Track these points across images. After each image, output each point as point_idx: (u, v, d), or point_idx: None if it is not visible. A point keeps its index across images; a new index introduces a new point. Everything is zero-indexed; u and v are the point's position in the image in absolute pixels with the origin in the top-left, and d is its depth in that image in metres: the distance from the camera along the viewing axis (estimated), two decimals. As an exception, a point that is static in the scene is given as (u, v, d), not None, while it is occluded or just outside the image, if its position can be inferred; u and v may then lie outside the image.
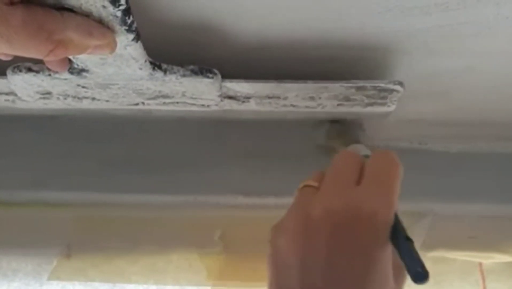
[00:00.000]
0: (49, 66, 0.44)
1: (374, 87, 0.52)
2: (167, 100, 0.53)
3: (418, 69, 0.55)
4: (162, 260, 0.61)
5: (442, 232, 0.62)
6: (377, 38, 0.51)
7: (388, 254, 0.39)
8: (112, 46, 0.39)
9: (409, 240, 0.40)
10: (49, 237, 0.62)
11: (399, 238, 0.40)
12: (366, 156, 0.51)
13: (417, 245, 0.59)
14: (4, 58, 0.40)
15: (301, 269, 0.39)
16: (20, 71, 0.48)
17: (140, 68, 0.46)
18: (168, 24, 0.47)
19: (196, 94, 0.52)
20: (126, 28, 0.38)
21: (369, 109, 0.56)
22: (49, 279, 0.62)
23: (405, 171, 0.62)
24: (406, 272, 0.39)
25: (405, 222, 0.60)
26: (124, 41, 0.40)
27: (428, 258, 0.61)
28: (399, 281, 0.42)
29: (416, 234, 0.62)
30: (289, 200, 0.61)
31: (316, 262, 0.39)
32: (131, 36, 0.40)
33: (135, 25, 0.39)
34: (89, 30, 0.36)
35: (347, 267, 0.38)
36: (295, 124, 0.62)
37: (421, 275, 0.38)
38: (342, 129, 0.62)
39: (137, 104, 0.54)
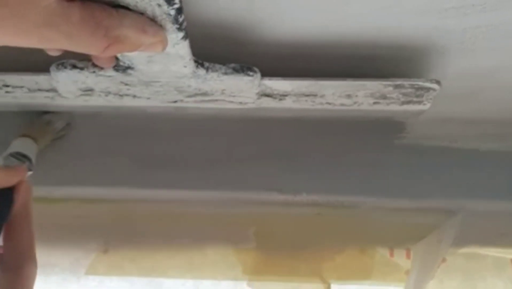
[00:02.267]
0: (97, 63, 0.44)
1: (412, 86, 0.52)
2: (205, 98, 0.54)
3: (453, 69, 0.55)
4: (198, 255, 0.61)
5: (473, 229, 0.62)
6: (413, 38, 0.51)
7: None
8: (164, 44, 0.39)
9: None
10: (87, 232, 0.62)
11: None
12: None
13: (448, 243, 0.59)
14: (54, 54, 0.41)
15: None
16: (65, 68, 0.49)
17: (185, 66, 0.46)
18: (209, 23, 0.48)
19: (235, 92, 0.52)
20: (178, 26, 0.39)
21: (405, 107, 0.56)
22: (87, 273, 0.62)
23: (436, 169, 0.62)
24: None
25: (437, 220, 0.61)
26: (174, 39, 0.40)
27: (460, 255, 0.61)
28: None
29: (448, 231, 0.62)
30: (321, 197, 0.62)
31: None
32: (181, 34, 0.40)
33: (185, 23, 0.39)
34: (143, 27, 0.36)
35: None
36: (329, 122, 0.61)
37: None
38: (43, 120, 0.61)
39: (175, 101, 0.55)
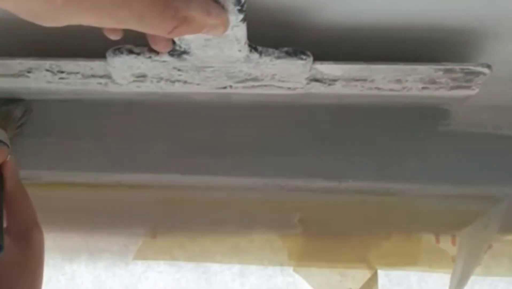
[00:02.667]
0: (155, 47, 0.45)
1: (462, 70, 0.52)
2: (255, 84, 0.54)
3: (502, 54, 0.55)
4: (245, 241, 0.61)
5: (519, 215, 0.61)
6: (465, 22, 0.51)
7: None
8: (226, 26, 0.40)
9: None
10: (135, 218, 0.63)
11: None
12: None
13: (494, 229, 0.59)
14: (114, 37, 0.41)
15: None
16: (121, 53, 0.49)
17: (239, 50, 0.47)
18: (264, 6, 0.48)
19: (285, 76, 0.53)
20: (239, 8, 0.39)
21: (453, 92, 0.56)
22: (135, 258, 0.63)
23: (481, 156, 0.62)
24: None
25: (482, 206, 0.60)
26: (234, 21, 0.41)
27: (507, 241, 0.61)
28: None
29: (494, 217, 0.61)
30: (367, 184, 0.62)
31: None
32: (241, 16, 0.41)
33: (246, 5, 0.39)
34: (207, 9, 0.37)
35: None
36: (374, 108, 0.61)
37: None
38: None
39: (224, 87, 0.55)
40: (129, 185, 0.63)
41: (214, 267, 0.63)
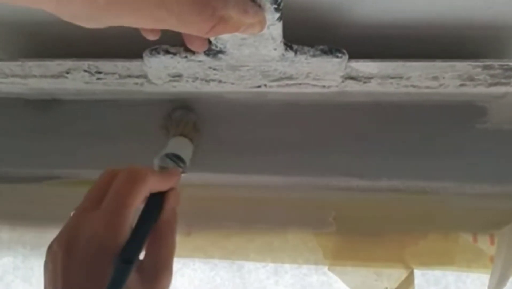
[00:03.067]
0: (191, 47, 0.45)
1: (501, 66, 0.51)
2: (290, 82, 0.54)
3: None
4: (279, 239, 0.61)
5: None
6: (502, 18, 0.49)
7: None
8: (262, 25, 0.40)
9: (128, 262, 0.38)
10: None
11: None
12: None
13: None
14: (152, 38, 0.41)
15: None
16: (158, 53, 0.50)
17: (275, 49, 0.47)
18: (299, 5, 0.48)
19: (320, 75, 0.53)
20: (276, 7, 0.39)
21: (491, 89, 0.55)
22: (171, 256, 0.63)
23: None
24: None
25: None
26: (270, 20, 0.41)
27: None
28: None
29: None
30: (402, 182, 0.61)
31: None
32: (277, 15, 0.41)
33: (282, 4, 0.39)
34: (245, 8, 0.37)
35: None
36: (409, 107, 0.61)
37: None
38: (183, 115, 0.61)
39: (259, 86, 0.55)
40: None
41: (249, 265, 0.63)
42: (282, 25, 0.43)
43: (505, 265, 0.58)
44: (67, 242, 0.40)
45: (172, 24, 0.35)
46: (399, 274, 0.61)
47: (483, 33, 0.52)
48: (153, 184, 0.44)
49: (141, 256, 0.42)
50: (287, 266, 0.64)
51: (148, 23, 0.35)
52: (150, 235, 0.42)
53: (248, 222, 0.62)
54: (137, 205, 0.42)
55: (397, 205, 0.62)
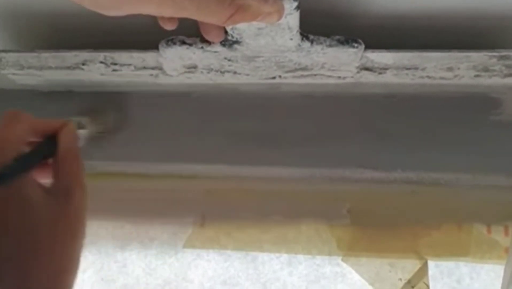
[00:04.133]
0: (208, 37, 0.45)
1: (517, 56, 0.50)
2: (305, 73, 0.54)
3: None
4: (293, 230, 0.61)
5: None
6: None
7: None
8: (281, 13, 0.40)
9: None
10: (184, 207, 0.63)
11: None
12: None
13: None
14: (169, 27, 0.41)
15: None
16: (174, 44, 0.50)
17: (291, 39, 0.47)
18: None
19: (335, 65, 0.53)
20: None
21: (506, 80, 0.54)
22: (184, 247, 0.64)
23: None
24: None
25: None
26: (288, 9, 0.41)
27: None
28: None
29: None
30: (416, 174, 0.61)
31: None
32: (295, 4, 0.41)
33: None
34: None
35: None
36: (424, 98, 0.60)
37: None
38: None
39: (274, 78, 0.55)
40: (179, 175, 0.63)
41: (262, 256, 0.63)
42: (299, 14, 0.43)
43: (519, 256, 0.58)
44: None
45: (192, 12, 0.36)
46: (413, 265, 0.61)
47: (498, 24, 0.51)
48: (31, 123, 0.45)
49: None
50: (301, 257, 0.63)
51: (168, 11, 0.35)
52: (53, 164, 0.45)
53: (262, 214, 0.62)
54: (16, 139, 0.43)
55: (411, 196, 0.62)
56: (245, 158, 0.62)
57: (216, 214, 0.63)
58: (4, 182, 0.39)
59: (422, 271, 0.62)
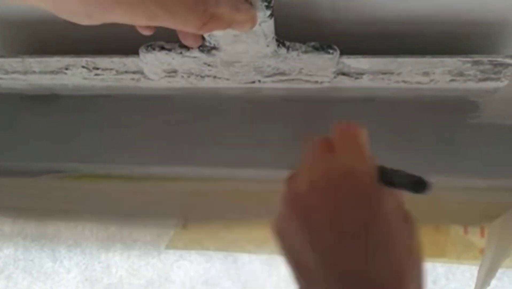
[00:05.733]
0: (185, 43, 0.45)
1: (491, 62, 0.51)
2: (283, 78, 0.55)
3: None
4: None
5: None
6: (492, 15, 0.50)
7: (386, 197, 0.38)
8: (254, 22, 0.40)
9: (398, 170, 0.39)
10: (167, 209, 0.64)
11: (390, 177, 0.39)
12: None
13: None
14: (146, 33, 0.42)
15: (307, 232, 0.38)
16: (154, 49, 0.50)
17: (267, 45, 0.48)
18: (289, 2, 0.48)
19: (313, 71, 0.53)
20: (266, 4, 0.40)
21: (481, 84, 0.55)
22: (167, 248, 0.64)
23: (509, 148, 0.61)
24: None
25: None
26: (262, 17, 0.41)
27: None
28: None
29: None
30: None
31: (320, 223, 0.38)
32: (269, 12, 0.41)
33: (273, 1, 0.40)
34: (236, 5, 0.38)
35: (348, 218, 0.37)
36: (402, 102, 0.61)
37: (420, 183, 0.37)
38: None
39: (253, 82, 0.56)
40: (161, 178, 0.64)
41: (243, 257, 0.64)
42: (274, 22, 0.43)
43: (494, 257, 0.59)
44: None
45: (165, 21, 0.36)
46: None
47: (473, 30, 0.52)
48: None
49: None
50: (280, 258, 0.64)
51: (141, 20, 0.36)
52: None
53: (243, 215, 0.63)
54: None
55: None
56: (226, 160, 0.63)
57: (198, 216, 0.64)
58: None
59: (400, 271, 0.63)
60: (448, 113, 0.62)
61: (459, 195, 0.61)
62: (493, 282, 0.57)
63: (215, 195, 0.63)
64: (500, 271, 0.58)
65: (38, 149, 0.65)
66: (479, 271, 0.59)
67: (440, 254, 0.61)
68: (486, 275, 0.59)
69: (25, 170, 0.65)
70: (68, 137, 0.64)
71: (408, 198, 0.61)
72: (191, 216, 0.63)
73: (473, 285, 0.59)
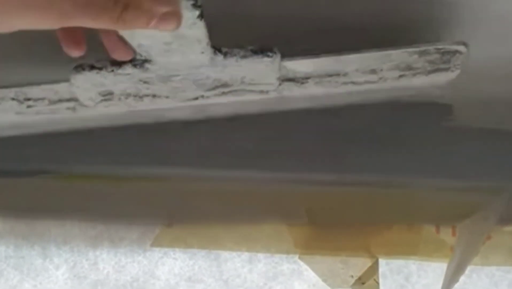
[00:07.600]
0: (115, 55, 0.44)
1: (437, 50, 0.50)
2: (226, 90, 0.52)
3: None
4: (256, 230, 0.63)
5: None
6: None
7: None
8: (178, 16, 0.37)
9: None
10: (153, 208, 0.66)
11: None
12: None
13: (494, 221, 0.57)
14: (76, 53, 0.41)
15: None
16: (83, 69, 0.47)
17: (202, 52, 0.45)
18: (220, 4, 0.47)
19: (255, 79, 0.51)
20: (192, 2, 0.37)
21: (432, 77, 0.53)
22: (152, 245, 0.66)
23: (482, 151, 0.60)
24: None
25: (483, 199, 0.58)
26: (190, 18, 0.39)
27: (505, 233, 0.61)
28: None
29: (494, 209, 0.60)
30: (371, 177, 0.61)
31: None
32: (197, 12, 0.38)
33: (200, 0, 0.37)
34: None
35: None
36: (374, 104, 0.60)
37: None
38: None
39: (196, 98, 0.53)
40: (147, 178, 0.66)
41: (225, 254, 0.65)
42: (205, 24, 0.40)
43: (463, 254, 0.58)
44: None
45: (78, 18, 0.33)
46: (364, 263, 0.62)
47: (415, 17, 0.51)
48: None
49: None
50: (260, 255, 0.65)
51: (50, 21, 0.33)
52: None
53: (226, 214, 0.64)
54: None
55: (364, 198, 0.62)
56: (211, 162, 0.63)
57: (183, 215, 0.65)
58: None
59: (373, 269, 0.63)
60: (422, 117, 0.61)
61: (431, 195, 0.61)
62: (462, 279, 0.57)
63: (199, 195, 0.65)
64: (469, 268, 0.58)
65: (30, 149, 0.64)
66: (448, 268, 0.59)
67: (413, 252, 0.61)
68: (455, 272, 0.58)
69: (16, 170, 0.65)
70: (59, 138, 0.62)
71: (382, 200, 0.62)
72: (176, 215, 0.65)
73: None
